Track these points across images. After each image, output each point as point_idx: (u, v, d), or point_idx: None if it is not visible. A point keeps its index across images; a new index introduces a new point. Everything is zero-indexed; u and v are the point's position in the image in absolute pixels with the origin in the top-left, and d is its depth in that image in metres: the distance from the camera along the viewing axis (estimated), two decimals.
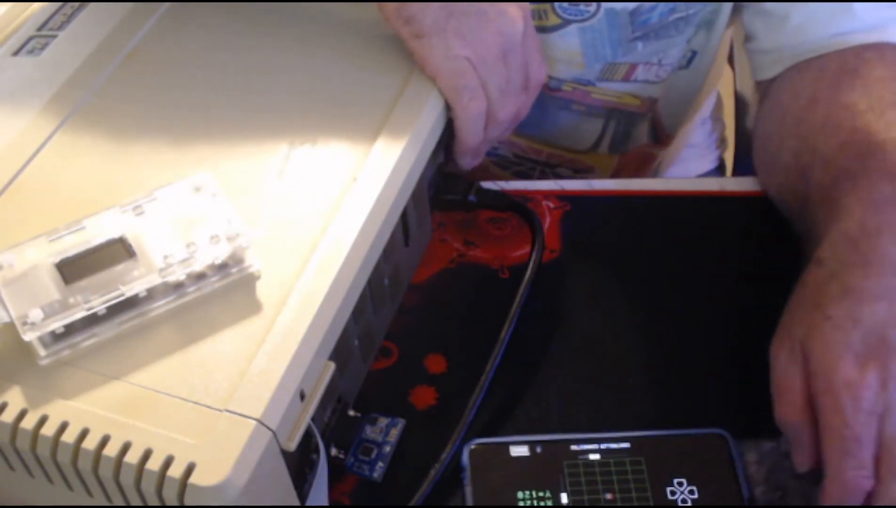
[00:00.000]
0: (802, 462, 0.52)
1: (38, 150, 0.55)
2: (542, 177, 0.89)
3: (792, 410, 0.52)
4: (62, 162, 0.54)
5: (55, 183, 0.53)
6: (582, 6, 0.73)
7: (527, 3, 0.61)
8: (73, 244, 0.48)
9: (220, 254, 0.48)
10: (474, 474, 0.54)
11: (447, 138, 0.61)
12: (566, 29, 0.75)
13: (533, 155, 0.87)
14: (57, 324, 0.45)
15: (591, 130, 0.85)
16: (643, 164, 0.90)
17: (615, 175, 0.88)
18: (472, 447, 0.55)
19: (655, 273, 0.66)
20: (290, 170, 0.54)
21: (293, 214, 0.51)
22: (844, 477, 0.50)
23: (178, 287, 0.48)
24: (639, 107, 0.82)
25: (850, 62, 0.65)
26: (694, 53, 0.80)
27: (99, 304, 0.46)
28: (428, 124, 0.56)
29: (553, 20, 0.75)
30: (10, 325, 0.45)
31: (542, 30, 0.75)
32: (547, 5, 0.73)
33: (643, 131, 0.86)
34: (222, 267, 0.48)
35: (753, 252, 0.66)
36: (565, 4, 0.73)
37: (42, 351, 0.46)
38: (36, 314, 0.45)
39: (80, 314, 0.46)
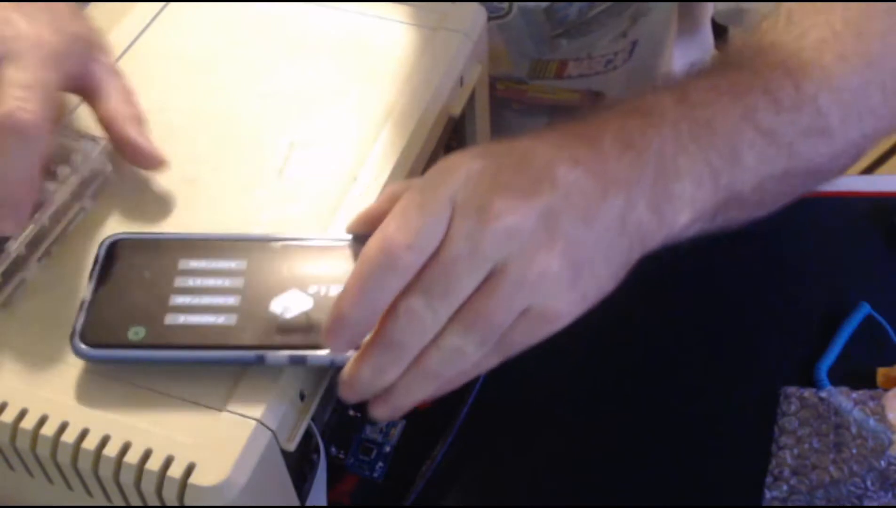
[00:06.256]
0: None
1: None
2: None
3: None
4: None
5: None
6: (496, 3, 0.72)
7: None
8: None
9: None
10: None
11: (447, 139, 0.61)
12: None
13: None
14: None
15: (537, 129, 0.83)
16: None
17: None
18: None
19: (655, 273, 0.65)
20: (290, 169, 0.54)
21: (293, 214, 0.51)
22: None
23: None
24: (579, 101, 0.81)
25: None
26: (634, 44, 0.79)
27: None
28: (428, 124, 0.56)
29: None
30: (18, 330, 0.45)
31: None
32: None
33: None
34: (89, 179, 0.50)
35: (753, 252, 0.66)
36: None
37: None
38: None
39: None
